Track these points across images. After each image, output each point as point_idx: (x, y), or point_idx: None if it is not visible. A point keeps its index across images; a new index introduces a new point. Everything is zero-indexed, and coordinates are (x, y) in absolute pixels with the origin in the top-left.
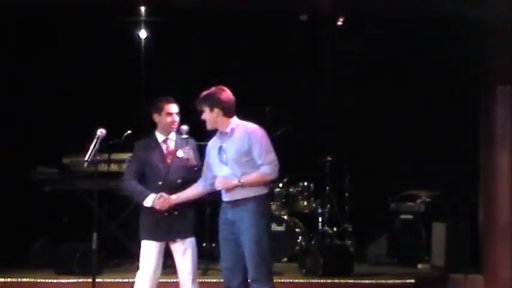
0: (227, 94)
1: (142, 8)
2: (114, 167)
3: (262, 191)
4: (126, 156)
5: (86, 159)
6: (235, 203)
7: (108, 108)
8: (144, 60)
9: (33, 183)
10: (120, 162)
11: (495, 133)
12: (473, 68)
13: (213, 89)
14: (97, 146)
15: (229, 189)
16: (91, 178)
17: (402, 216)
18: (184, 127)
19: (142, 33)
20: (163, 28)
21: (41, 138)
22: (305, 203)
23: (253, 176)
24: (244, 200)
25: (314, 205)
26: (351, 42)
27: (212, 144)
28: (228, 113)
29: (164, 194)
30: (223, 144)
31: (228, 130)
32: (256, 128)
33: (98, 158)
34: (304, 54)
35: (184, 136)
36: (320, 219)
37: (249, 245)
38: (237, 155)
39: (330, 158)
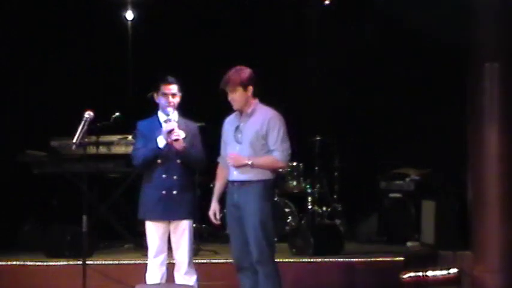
0: (254, 73)
1: None
2: (102, 149)
3: (269, 176)
4: (114, 138)
5: (74, 141)
6: (241, 184)
7: (96, 90)
8: (131, 41)
9: (21, 166)
10: (108, 144)
11: (483, 111)
12: (461, 46)
13: (239, 68)
14: (85, 128)
15: (238, 168)
16: (80, 161)
17: (392, 195)
18: (169, 109)
19: (129, 15)
20: (150, 9)
21: (29, 121)
22: (295, 183)
23: (264, 159)
24: (250, 183)
25: (304, 185)
26: (339, 21)
27: (229, 122)
28: (255, 92)
29: None
30: (241, 124)
31: (249, 111)
32: (276, 114)
33: (86, 140)
34: (293, 35)
35: (168, 117)
36: (310, 199)
37: (254, 228)
38: (254, 137)
39: (319, 138)
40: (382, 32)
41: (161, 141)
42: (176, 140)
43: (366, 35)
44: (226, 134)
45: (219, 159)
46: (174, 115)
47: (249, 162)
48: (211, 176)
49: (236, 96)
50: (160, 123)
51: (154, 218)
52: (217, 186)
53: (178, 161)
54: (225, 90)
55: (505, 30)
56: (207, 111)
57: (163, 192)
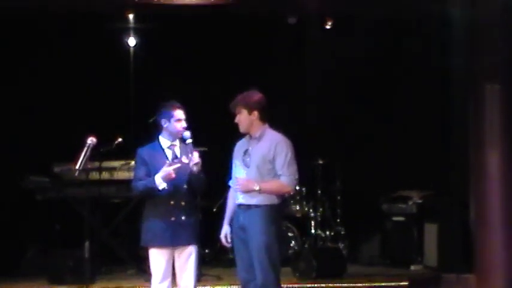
0: (264, 98)
1: (131, 16)
2: (105, 175)
3: (276, 200)
4: (117, 163)
5: (77, 167)
6: (248, 208)
7: (98, 116)
8: (134, 67)
9: (24, 192)
10: (111, 170)
11: (485, 132)
12: (463, 67)
13: (251, 91)
14: (88, 154)
15: (245, 192)
16: (82, 186)
17: (394, 218)
18: (187, 133)
19: (131, 41)
20: (152, 35)
21: (32, 147)
22: (297, 207)
23: (271, 184)
24: (256, 207)
25: (306, 209)
26: (340, 44)
27: (239, 146)
28: (263, 117)
29: None
30: (250, 148)
31: (258, 135)
32: (284, 139)
33: (89, 166)
34: (293, 57)
35: (189, 140)
36: (312, 222)
37: (259, 251)
38: (261, 161)
39: (321, 161)
40: (383, 54)
41: (158, 181)
42: (197, 163)
43: (367, 58)
44: (235, 157)
45: (231, 183)
46: (177, 140)
47: (257, 188)
48: (214, 200)
49: (241, 119)
50: (162, 149)
51: (163, 245)
52: (229, 209)
53: (185, 186)
54: (233, 112)
55: (505, 52)
56: (208, 136)
57: (172, 218)
